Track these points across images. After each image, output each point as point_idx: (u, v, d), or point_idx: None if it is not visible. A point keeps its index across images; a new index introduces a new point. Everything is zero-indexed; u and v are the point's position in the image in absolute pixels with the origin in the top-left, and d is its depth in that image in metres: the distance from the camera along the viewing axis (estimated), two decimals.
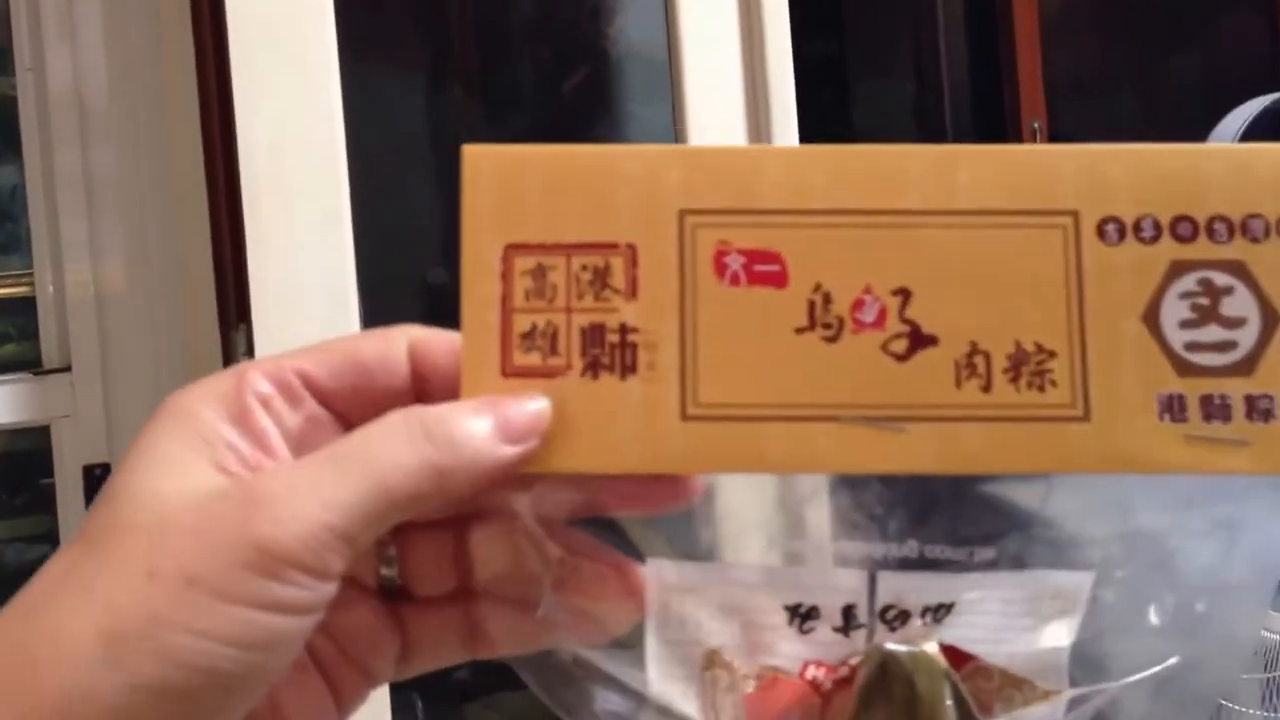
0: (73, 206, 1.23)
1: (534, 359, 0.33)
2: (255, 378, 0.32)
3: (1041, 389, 0.33)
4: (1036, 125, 2.13)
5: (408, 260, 1.33)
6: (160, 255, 1.20)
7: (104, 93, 1.24)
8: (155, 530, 0.29)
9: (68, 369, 1.32)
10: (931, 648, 0.33)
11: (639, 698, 0.33)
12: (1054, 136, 2.06)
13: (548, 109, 1.69)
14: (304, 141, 1.10)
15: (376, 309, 1.13)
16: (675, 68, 1.31)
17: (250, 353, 1.10)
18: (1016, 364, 0.33)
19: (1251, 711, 1.20)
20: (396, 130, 1.55)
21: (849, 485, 0.34)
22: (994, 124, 2.10)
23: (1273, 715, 1.19)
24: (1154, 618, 0.34)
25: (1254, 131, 1.50)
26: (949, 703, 0.32)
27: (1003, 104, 2.09)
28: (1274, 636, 1.20)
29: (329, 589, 0.30)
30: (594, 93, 1.64)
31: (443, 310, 0.36)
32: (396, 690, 1.12)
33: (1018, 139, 2.07)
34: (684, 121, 1.31)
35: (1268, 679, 1.18)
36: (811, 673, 0.33)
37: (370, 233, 1.18)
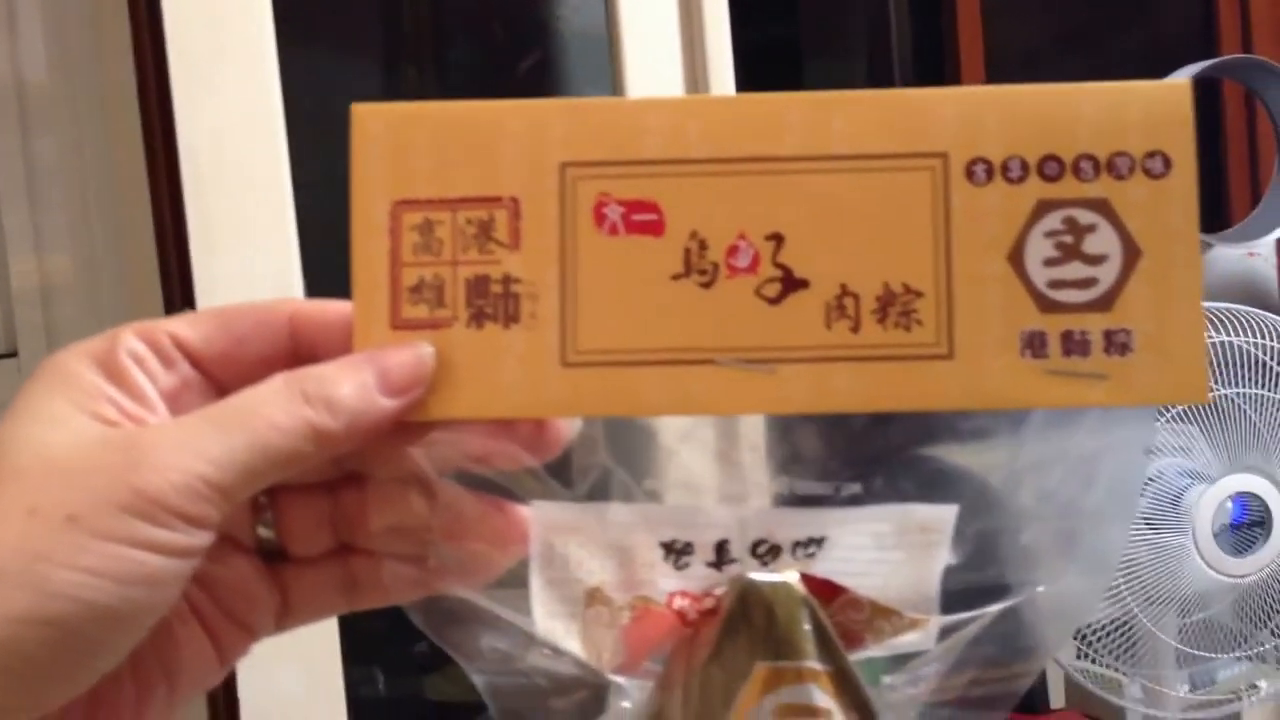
0: (14, 196, 1.23)
1: (421, 311, 0.34)
2: (128, 338, 0.34)
3: (908, 328, 0.34)
4: None
5: None
6: (105, 245, 1.20)
7: (44, 81, 1.24)
8: (38, 473, 0.31)
9: (14, 355, 1.32)
10: (791, 577, 0.34)
11: (526, 637, 0.34)
12: None
13: (502, 92, 1.69)
14: (245, 129, 1.10)
15: (323, 295, 1.14)
16: (615, 50, 1.32)
17: None
18: (884, 304, 0.34)
19: (1170, 643, 1.23)
20: (347, 115, 1.54)
21: (722, 424, 0.35)
22: None
23: (1191, 651, 1.22)
24: (1020, 547, 0.35)
25: None
26: (807, 628, 0.33)
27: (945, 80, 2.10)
28: (1222, 579, 1.23)
29: (204, 537, 0.31)
30: (547, 74, 1.64)
31: None
32: (357, 664, 1.13)
33: None
34: None
35: (1184, 624, 1.21)
36: (678, 603, 0.34)
37: (318, 217, 1.19)
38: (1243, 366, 1.24)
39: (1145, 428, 0.35)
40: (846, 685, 0.34)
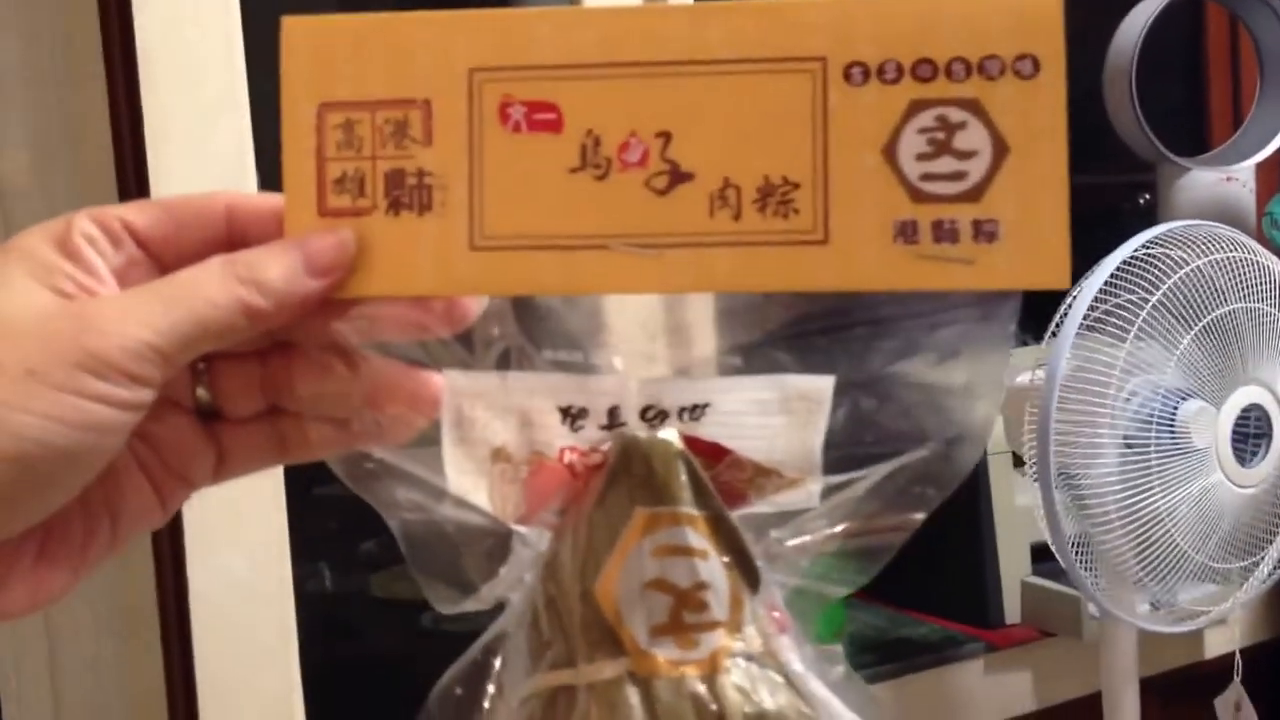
0: None
1: (345, 201, 0.38)
2: (82, 221, 0.38)
3: (785, 217, 0.37)
4: None
5: None
6: (63, 147, 1.21)
7: None
8: (1, 335, 0.35)
9: None
10: (669, 434, 0.37)
11: (438, 490, 0.38)
12: None
13: None
14: (202, 19, 1.11)
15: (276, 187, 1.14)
16: None
17: None
18: (764, 195, 0.37)
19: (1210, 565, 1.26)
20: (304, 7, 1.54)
21: (613, 302, 0.38)
22: None
23: (1213, 565, 1.25)
24: (897, 417, 0.39)
25: (1166, 19, 1.52)
26: (683, 478, 0.37)
27: None
28: (1240, 491, 1.25)
29: (147, 394, 0.36)
30: None
31: None
32: (304, 560, 1.16)
33: None
34: None
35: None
36: (568, 457, 0.38)
37: (273, 110, 1.19)
38: (1226, 283, 1.24)
39: (1005, 321, 0.39)
40: (721, 529, 0.38)
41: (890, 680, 1.43)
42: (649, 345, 0.39)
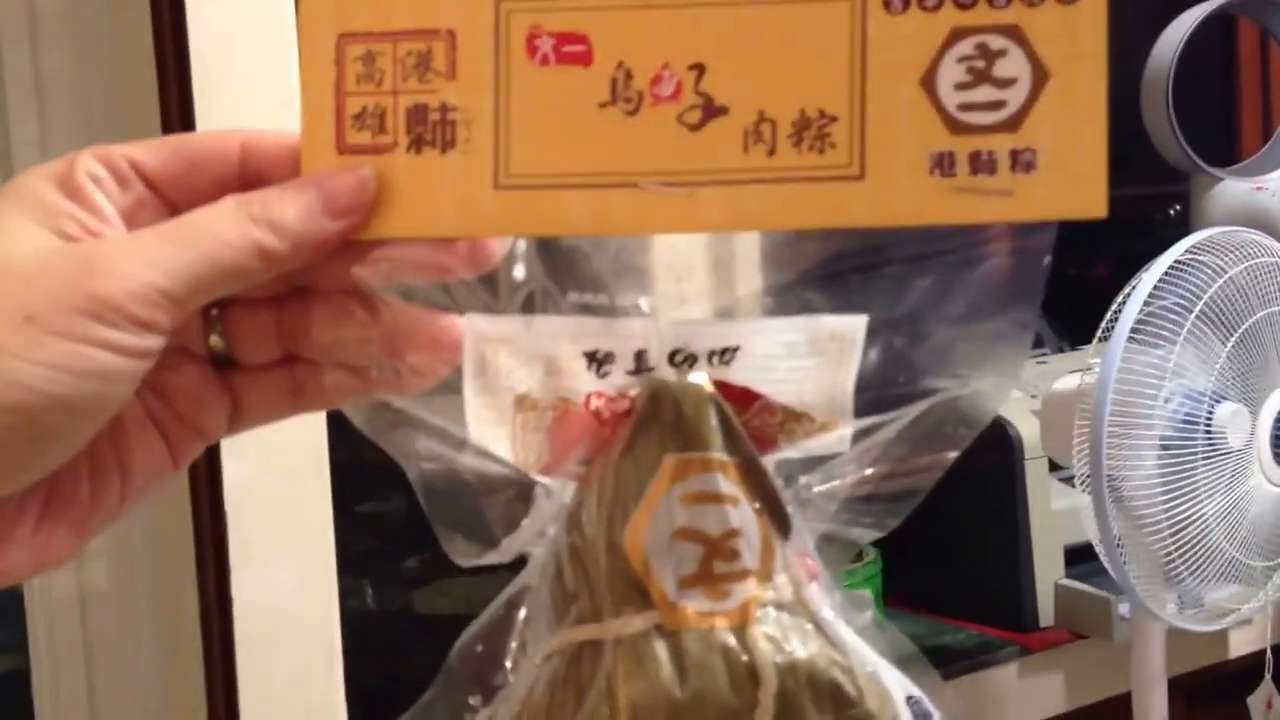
0: (23, 108, 1.22)
1: (365, 137, 0.37)
2: (87, 160, 0.36)
3: (821, 151, 0.36)
4: None
5: None
6: None
7: None
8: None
9: None
10: (699, 378, 0.36)
11: (458, 440, 0.37)
12: None
13: None
14: (256, 35, 1.11)
15: None
16: None
17: None
18: (800, 129, 0.36)
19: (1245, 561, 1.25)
20: None
21: (640, 242, 0.37)
22: None
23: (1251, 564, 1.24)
24: (929, 356, 0.37)
25: (1200, 35, 1.54)
26: (714, 423, 0.36)
27: None
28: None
29: (155, 340, 0.34)
30: None
31: None
32: (347, 575, 1.15)
33: None
34: None
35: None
36: (594, 403, 0.36)
37: None
38: (1260, 289, 1.25)
39: (1039, 255, 0.37)
40: (752, 475, 0.36)
41: None
42: (678, 286, 0.37)
